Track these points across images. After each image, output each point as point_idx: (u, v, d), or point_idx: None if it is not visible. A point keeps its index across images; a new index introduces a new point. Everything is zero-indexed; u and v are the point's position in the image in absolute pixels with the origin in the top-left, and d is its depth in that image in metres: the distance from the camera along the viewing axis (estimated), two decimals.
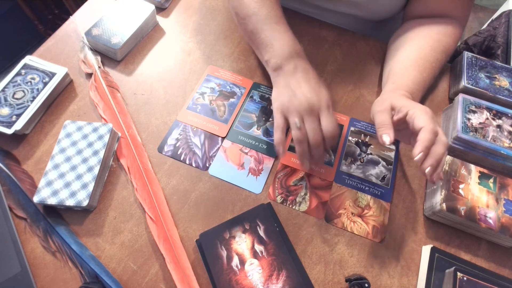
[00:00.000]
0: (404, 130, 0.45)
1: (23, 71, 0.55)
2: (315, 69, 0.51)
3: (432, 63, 0.55)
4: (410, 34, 0.58)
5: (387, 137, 0.42)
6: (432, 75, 0.55)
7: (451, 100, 0.62)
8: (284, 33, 0.52)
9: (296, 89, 0.47)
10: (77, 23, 0.64)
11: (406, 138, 0.46)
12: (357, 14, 0.65)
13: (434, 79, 0.57)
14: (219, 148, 0.54)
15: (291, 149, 0.54)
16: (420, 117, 0.42)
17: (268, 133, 0.55)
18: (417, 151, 0.40)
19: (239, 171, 0.52)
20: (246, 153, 0.53)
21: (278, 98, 0.49)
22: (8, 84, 0.53)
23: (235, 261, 0.43)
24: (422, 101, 0.60)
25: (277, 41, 0.51)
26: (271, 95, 0.51)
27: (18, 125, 0.50)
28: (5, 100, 0.52)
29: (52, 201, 0.44)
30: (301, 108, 0.46)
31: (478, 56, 0.62)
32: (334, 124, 0.46)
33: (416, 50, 0.55)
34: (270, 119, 0.57)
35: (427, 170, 0.40)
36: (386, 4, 0.62)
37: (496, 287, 0.42)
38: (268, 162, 0.53)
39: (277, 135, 0.48)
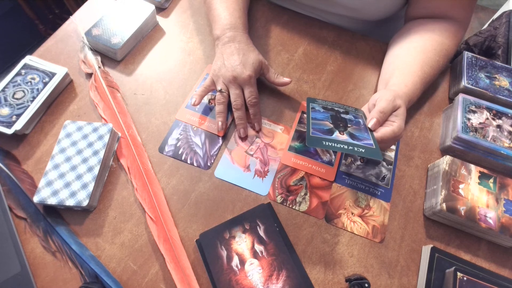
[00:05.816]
0: None
1: (23, 71, 0.55)
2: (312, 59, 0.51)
3: (434, 67, 0.55)
4: (413, 35, 0.58)
5: None
6: (433, 78, 0.56)
7: (451, 100, 0.62)
8: (230, 8, 0.58)
9: (226, 60, 0.54)
10: (77, 23, 0.64)
11: None
12: (355, 16, 0.65)
13: (433, 81, 0.57)
14: (220, 147, 0.54)
15: (292, 149, 0.54)
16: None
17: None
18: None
19: (245, 173, 0.52)
20: (252, 155, 0.53)
21: (213, 65, 0.56)
22: (8, 84, 0.53)
23: (235, 261, 0.43)
24: (422, 101, 0.60)
25: (221, 16, 0.58)
26: None
27: (18, 125, 0.50)
28: (5, 100, 0.52)
29: (52, 201, 0.44)
30: (226, 77, 0.53)
31: (478, 56, 0.62)
32: (253, 93, 0.54)
33: (420, 53, 0.55)
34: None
35: (372, 121, 0.46)
36: (381, 7, 0.62)
37: (496, 287, 0.42)
38: (274, 164, 0.53)
39: (199, 89, 0.55)
